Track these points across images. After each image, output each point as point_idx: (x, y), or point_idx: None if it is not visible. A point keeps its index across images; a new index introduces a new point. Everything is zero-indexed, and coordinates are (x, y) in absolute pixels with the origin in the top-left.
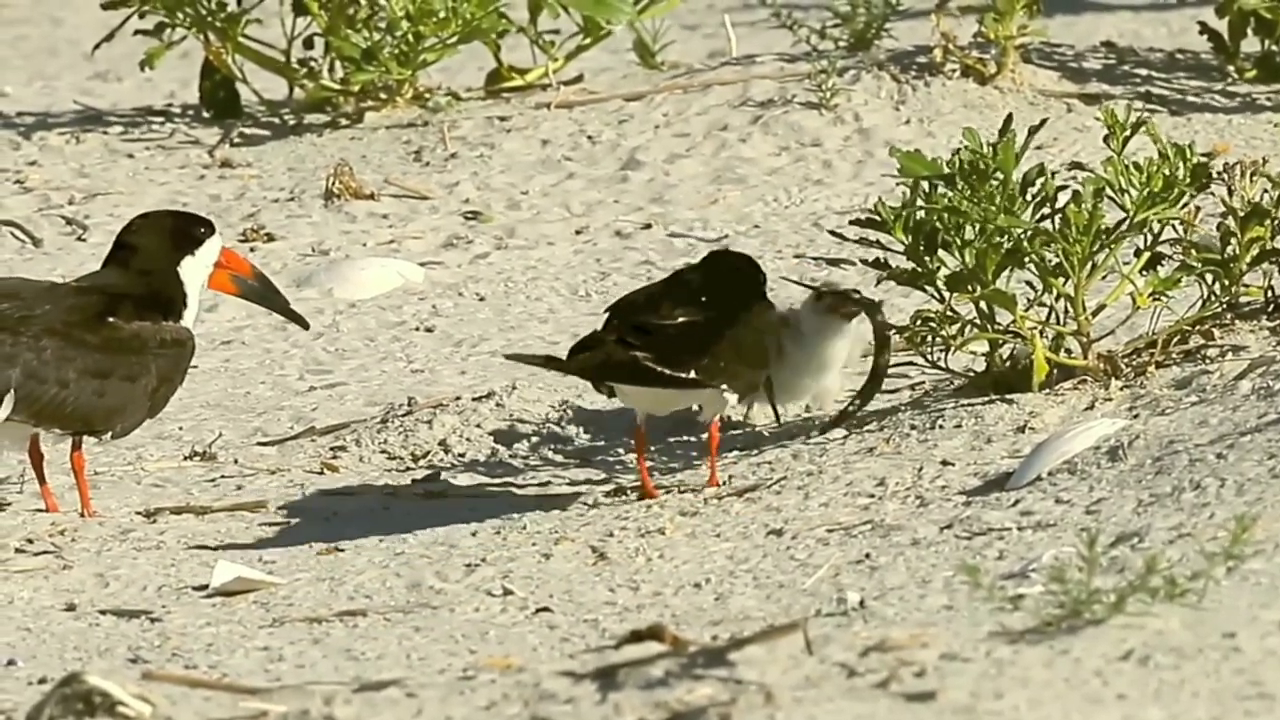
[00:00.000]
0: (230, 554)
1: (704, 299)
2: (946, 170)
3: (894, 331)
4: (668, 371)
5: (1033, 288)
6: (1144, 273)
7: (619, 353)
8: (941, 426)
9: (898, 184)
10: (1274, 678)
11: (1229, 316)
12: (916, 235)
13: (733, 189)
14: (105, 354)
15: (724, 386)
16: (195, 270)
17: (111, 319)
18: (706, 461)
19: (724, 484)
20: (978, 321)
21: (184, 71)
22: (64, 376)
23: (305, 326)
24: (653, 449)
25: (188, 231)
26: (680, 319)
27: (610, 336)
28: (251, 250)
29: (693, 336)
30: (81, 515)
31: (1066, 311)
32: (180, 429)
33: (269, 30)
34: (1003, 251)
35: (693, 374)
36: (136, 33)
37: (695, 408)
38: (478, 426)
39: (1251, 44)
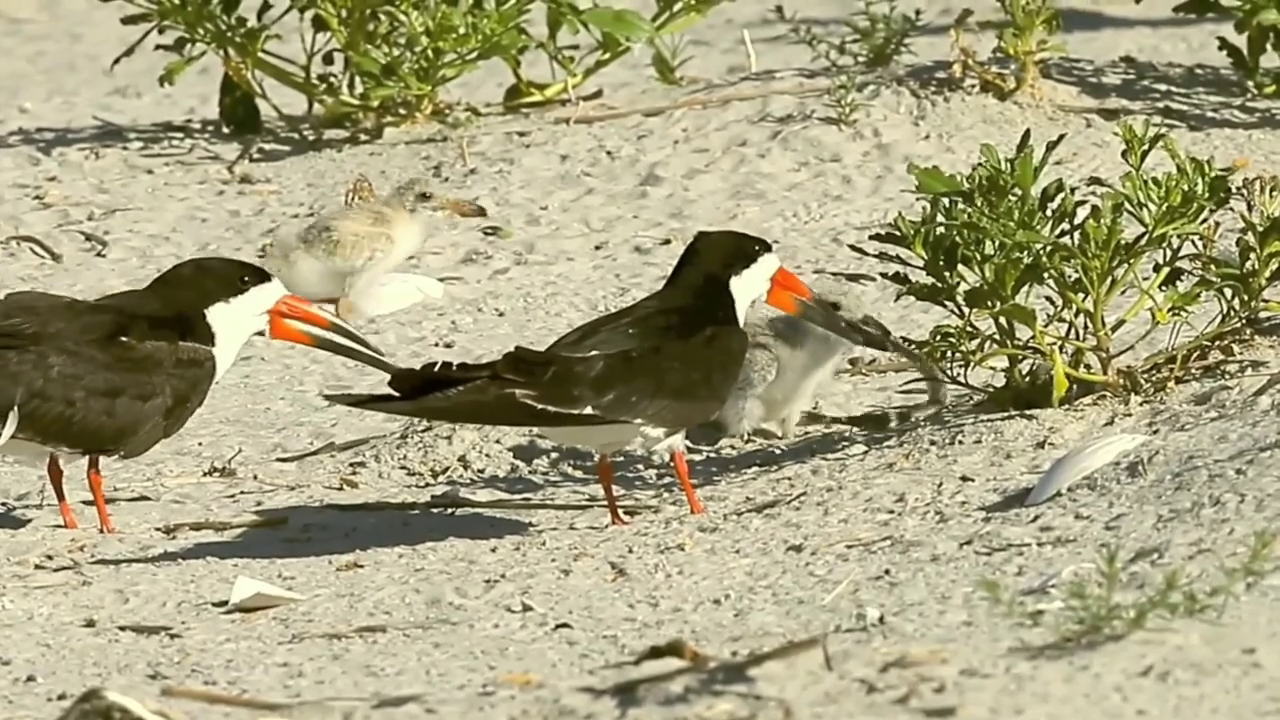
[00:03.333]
0: (250, 570)
1: (643, 329)
2: (965, 187)
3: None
4: (554, 409)
5: (1052, 303)
6: (1163, 288)
7: (486, 392)
8: (961, 442)
9: (917, 199)
10: None
11: (1248, 332)
12: (936, 250)
13: (752, 204)
14: (115, 373)
15: (639, 421)
16: (230, 317)
17: (124, 338)
18: (723, 480)
19: (744, 501)
20: (997, 337)
21: (204, 87)
22: (71, 395)
23: (391, 371)
24: (670, 465)
25: (227, 278)
26: (592, 352)
27: (483, 373)
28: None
29: (594, 371)
30: (101, 532)
31: (1086, 327)
32: (200, 445)
33: (289, 46)
34: (1022, 267)
35: (590, 410)
36: (157, 48)
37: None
38: (497, 442)
39: (1271, 59)
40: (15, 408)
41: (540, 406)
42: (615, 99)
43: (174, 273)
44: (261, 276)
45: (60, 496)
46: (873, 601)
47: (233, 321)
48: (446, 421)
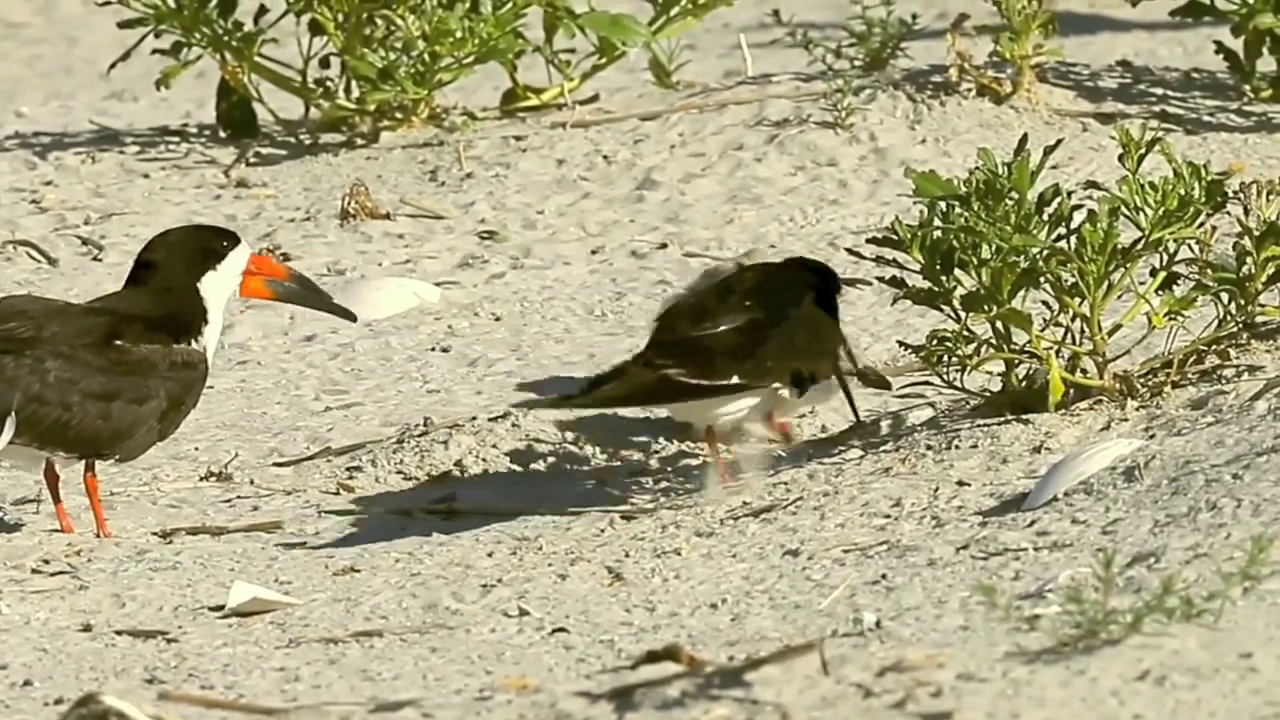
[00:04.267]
0: (246, 574)
1: (753, 300)
2: (961, 191)
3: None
4: (705, 383)
5: (1049, 307)
6: (1160, 292)
7: (645, 375)
8: (957, 447)
9: (914, 203)
10: None
11: (1245, 336)
12: (933, 255)
13: (748, 209)
14: (111, 376)
15: (777, 385)
16: (219, 285)
17: (119, 341)
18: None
19: (741, 505)
20: (994, 341)
21: (200, 91)
22: (67, 399)
23: (352, 319)
24: (666, 469)
25: (209, 246)
26: (722, 327)
27: (635, 362)
28: None
29: (732, 341)
30: (98, 536)
31: (1082, 331)
32: (196, 449)
33: (285, 50)
34: (1019, 271)
35: (736, 379)
36: (153, 52)
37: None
38: (494, 447)
39: (1267, 63)
40: (13, 413)
41: (694, 381)
42: (611, 103)
43: (159, 250)
44: (235, 238)
45: (56, 500)
46: (869, 606)
47: (220, 289)
48: (619, 406)
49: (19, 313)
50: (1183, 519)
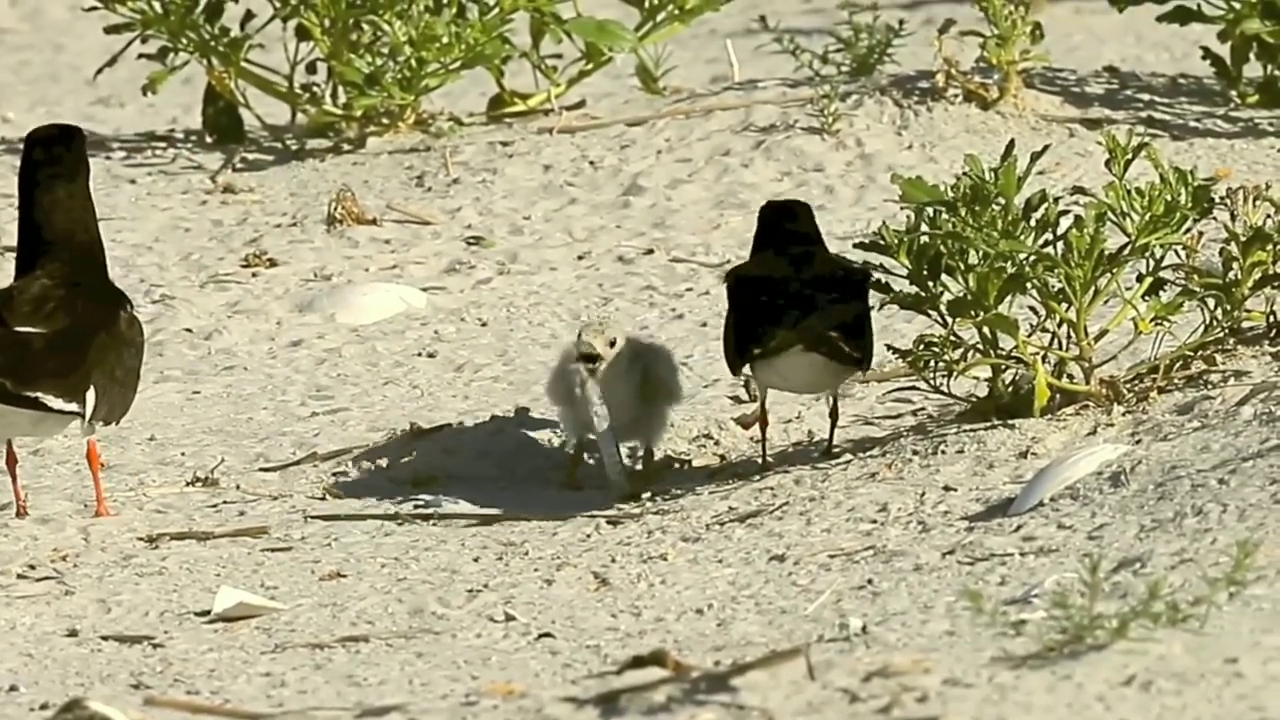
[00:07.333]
0: (232, 580)
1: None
2: (948, 196)
3: None
4: (852, 353)
5: (1035, 313)
6: (1146, 298)
7: (819, 330)
8: (944, 452)
9: (900, 208)
10: (1276, 703)
11: (1231, 342)
12: (920, 260)
13: (735, 214)
14: (129, 347)
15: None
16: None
17: (123, 311)
18: (705, 489)
19: (727, 511)
20: (980, 347)
21: (186, 97)
22: (117, 373)
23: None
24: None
25: (83, 148)
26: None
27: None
28: (254, 275)
29: (843, 316)
30: (97, 514)
31: (1069, 337)
32: (182, 455)
33: (272, 55)
34: (1005, 276)
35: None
36: (139, 57)
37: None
38: (479, 452)
39: (1254, 69)
40: (93, 389)
41: (848, 351)
42: (598, 109)
43: (66, 160)
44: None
45: (15, 480)
46: (855, 611)
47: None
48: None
49: (42, 297)
50: (1169, 524)
